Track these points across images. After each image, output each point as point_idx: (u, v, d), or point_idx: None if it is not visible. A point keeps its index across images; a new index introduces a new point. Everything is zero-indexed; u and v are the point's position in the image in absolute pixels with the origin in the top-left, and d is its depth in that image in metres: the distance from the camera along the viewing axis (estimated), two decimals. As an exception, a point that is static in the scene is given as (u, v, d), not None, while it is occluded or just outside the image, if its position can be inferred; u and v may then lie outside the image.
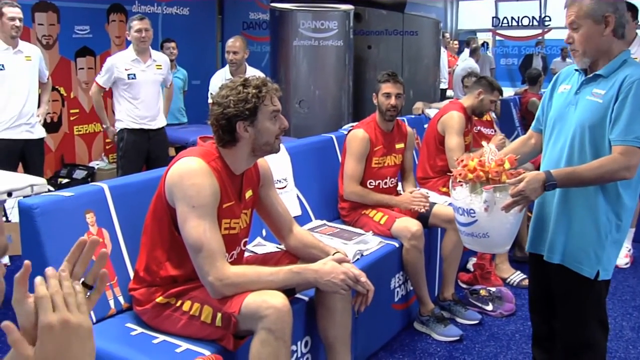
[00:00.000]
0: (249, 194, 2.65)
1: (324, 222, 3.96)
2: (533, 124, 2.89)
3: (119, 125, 5.30)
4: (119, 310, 2.69)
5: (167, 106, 5.88)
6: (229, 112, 2.46)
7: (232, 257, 2.62)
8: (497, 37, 17.23)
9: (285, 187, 3.81)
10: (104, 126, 5.54)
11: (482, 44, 13.04)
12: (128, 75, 5.15)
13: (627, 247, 5.11)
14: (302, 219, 3.83)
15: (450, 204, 2.89)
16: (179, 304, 2.47)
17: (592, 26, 2.43)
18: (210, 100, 5.33)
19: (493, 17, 16.72)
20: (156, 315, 2.51)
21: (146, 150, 5.33)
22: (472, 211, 2.57)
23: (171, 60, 7.09)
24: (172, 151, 7.27)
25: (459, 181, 2.63)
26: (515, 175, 2.49)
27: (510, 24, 16.43)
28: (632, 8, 4.75)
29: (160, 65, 5.38)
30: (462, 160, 2.66)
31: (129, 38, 5.26)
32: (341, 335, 2.79)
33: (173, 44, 7.24)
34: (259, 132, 2.50)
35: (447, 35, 12.94)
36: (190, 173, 2.40)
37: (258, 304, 2.33)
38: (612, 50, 2.49)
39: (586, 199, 2.52)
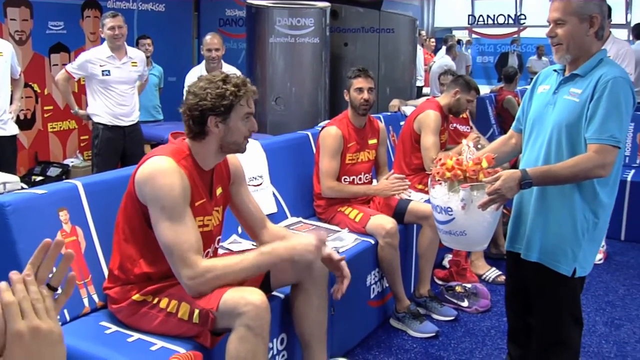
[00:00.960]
0: (219, 191, 2.65)
1: (300, 219, 3.96)
2: (513, 124, 2.92)
3: (94, 119, 5.23)
4: (93, 309, 2.66)
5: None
6: (204, 105, 2.45)
7: (208, 255, 2.61)
8: (474, 35, 17.37)
9: (260, 184, 3.80)
10: (73, 111, 5.43)
11: (458, 42, 13.11)
12: (102, 71, 5.08)
13: (600, 243, 5.16)
14: (278, 216, 3.82)
15: (429, 202, 2.90)
16: (155, 301, 2.46)
17: (576, 24, 2.46)
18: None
19: (469, 15, 16.85)
20: (132, 313, 2.49)
21: (121, 147, 5.28)
22: (449, 209, 2.59)
23: (147, 57, 7.04)
24: (147, 148, 7.22)
25: (438, 180, 2.65)
26: (492, 174, 2.50)
27: (486, 22, 16.57)
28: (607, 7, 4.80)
29: (136, 63, 5.33)
30: (440, 159, 2.67)
31: (102, 35, 5.20)
32: (317, 333, 2.80)
33: (149, 41, 7.17)
34: (229, 130, 2.49)
35: (424, 33, 13.02)
36: (159, 173, 2.38)
37: (236, 301, 2.32)
38: (591, 50, 2.53)
39: (563, 197, 2.55)
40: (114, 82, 5.13)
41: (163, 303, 2.45)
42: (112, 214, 2.72)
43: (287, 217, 3.94)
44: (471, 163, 2.54)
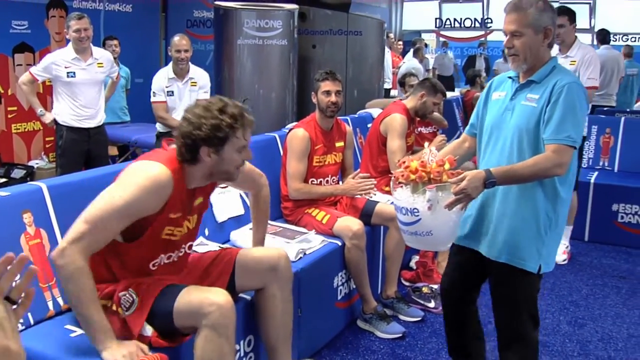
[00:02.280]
0: (198, 201, 2.60)
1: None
2: (467, 128, 3.03)
3: (58, 119, 5.17)
4: (57, 312, 2.64)
5: (108, 95, 5.75)
6: (198, 135, 2.37)
7: (171, 258, 2.59)
8: (441, 38, 17.50)
9: (227, 186, 3.79)
10: (39, 111, 5.26)
11: (425, 45, 13.22)
12: (67, 73, 5.02)
13: (564, 244, 5.25)
14: (245, 218, 3.81)
15: (392, 204, 2.92)
16: (114, 307, 2.43)
17: (532, 36, 2.60)
18: (154, 100, 5.23)
19: (436, 19, 16.98)
20: None
21: (86, 149, 5.23)
22: (415, 210, 2.61)
23: (114, 58, 6.98)
24: (113, 150, 7.16)
25: (399, 182, 2.68)
26: (455, 175, 2.56)
27: (452, 26, 16.73)
28: (569, 12, 4.89)
29: (102, 64, 5.27)
30: (403, 162, 2.69)
31: (67, 37, 5.14)
32: (282, 337, 2.80)
33: (115, 42, 7.11)
34: (222, 161, 2.44)
35: (392, 35, 13.08)
36: (149, 178, 2.32)
37: (200, 301, 2.32)
38: (544, 58, 2.67)
39: (526, 196, 2.64)
40: (79, 83, 5.08)
41: (115, 307, 2.43)
42: (78, 217, 2.70)
43: (254, 219, 3.94)
44: (435, 165, 2.58)
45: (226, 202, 3.71)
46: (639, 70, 10.61)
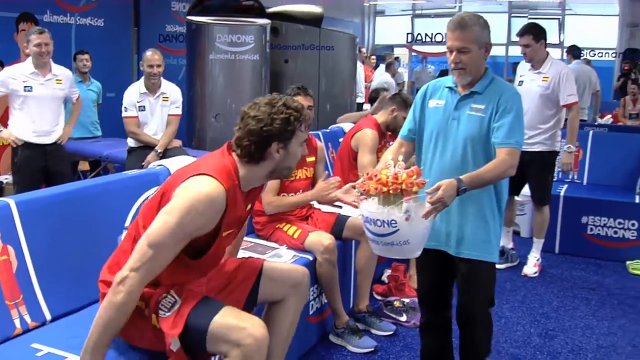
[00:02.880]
0: (247, 207, 2.59)
1: (240, 236, 3.94)
2: (404, 133, 3.14)
3: (14, 134, 5.08)
4: (25, 330, 2.59)
5: (73, 120, 5.61)
6: (271, 130, 2.37)
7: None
8: (413, 53, 17.66)
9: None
10: None
11: (396, 59, 13.32)
12: (24, 87, 4.95)
13: (536, 257, 5.30)
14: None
15: (362, 216, 2.92)
16: (147, 312, 2.34)
17: (477, 51, 2.84)
18: (123, 112, 5.18)
19: (408, 34, 17.15)
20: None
21: (42, 165, 5.14)
22: (393, 222, 2.63)
23: (85, 73, 6.94)
24: (85, 165, 7.11)
25: (363, 195, 2.70)
26: (420, 184, 2.62)
27: (424, 40, 16.91)
28: (534, 30, 4.97)
29: (61, 80, 5.18)
30: (375, 175, 2.69)
31: (27, 51, 5.07)
32: (282, 348, 2.80)
33: (87, 56, 7.05)
34: (288, 155, 2.46)
35: (364, 50, 13.19)
36: (205, 200, 2.24)
37: (236, 329, 2.27)
38: (482, 70, 2.92)
39: (484, 197, 2.89)
40: (36, 98, 5.02)
41: (154, 320, 2.35)
42: (47, 232, 2.67)
43: (226, 234, 3.92)
44: (405, 176, 2.61)
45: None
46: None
